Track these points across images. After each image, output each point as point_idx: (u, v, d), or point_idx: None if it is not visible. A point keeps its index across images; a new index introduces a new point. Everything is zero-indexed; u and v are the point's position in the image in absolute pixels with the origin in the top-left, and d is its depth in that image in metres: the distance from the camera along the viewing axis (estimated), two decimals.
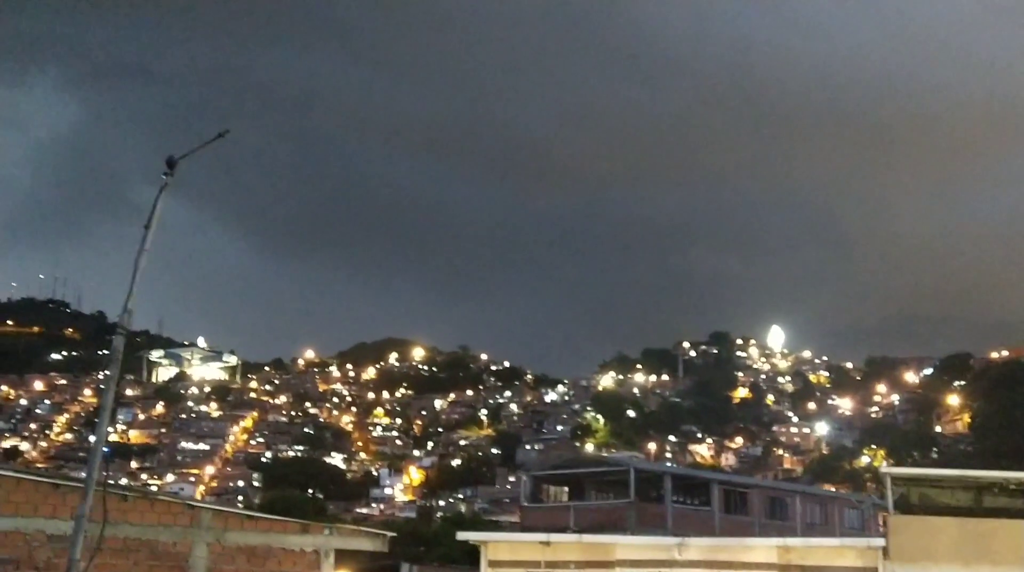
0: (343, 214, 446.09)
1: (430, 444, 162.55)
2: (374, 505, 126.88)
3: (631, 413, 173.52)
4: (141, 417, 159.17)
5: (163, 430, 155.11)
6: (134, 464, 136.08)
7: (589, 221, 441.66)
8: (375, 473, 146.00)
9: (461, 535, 30.57)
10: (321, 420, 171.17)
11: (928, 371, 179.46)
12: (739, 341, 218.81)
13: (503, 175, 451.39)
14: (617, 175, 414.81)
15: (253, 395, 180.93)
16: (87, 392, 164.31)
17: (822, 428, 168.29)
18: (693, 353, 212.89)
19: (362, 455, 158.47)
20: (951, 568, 22.46)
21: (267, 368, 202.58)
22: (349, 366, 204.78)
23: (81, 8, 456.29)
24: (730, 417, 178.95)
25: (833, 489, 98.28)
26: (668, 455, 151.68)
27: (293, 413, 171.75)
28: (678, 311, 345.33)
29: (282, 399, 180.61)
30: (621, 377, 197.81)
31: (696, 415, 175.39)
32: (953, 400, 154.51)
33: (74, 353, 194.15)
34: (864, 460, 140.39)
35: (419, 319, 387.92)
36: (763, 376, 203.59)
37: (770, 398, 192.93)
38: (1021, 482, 24.59)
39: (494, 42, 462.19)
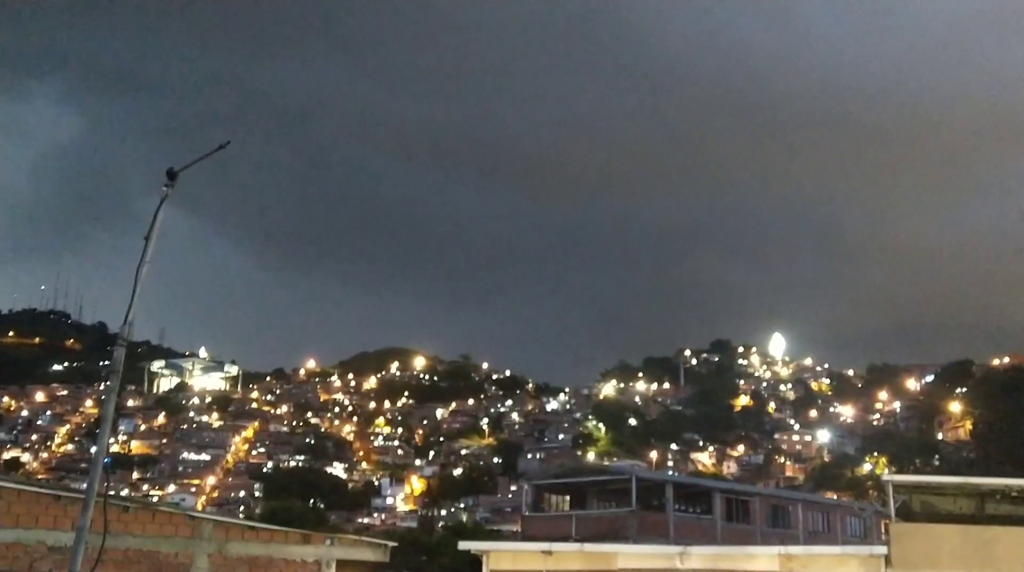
0: (344, 223, 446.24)
1: (431, 453, 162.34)
2: (375, 515, 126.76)
3: (633, 421, 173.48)
4: (142, 428, 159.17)
5: (164, 441, 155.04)
6: (135, 475, 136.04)
7: (590, 229, 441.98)
8: (376, 483, 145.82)
9: (463, 545, 30.48)
10: (322, 430, 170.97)
11: (930, 378, 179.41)
12: (740, 349, 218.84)
13: (505, 183, 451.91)
14: (618, 183, 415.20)
15: (254, 405, 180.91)
16: (88, 403, 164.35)
17: (824, 436, 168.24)
18: (694, 361, 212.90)
19: (363, 465, 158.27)
20: None
21: (268, 378, 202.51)
22: (350, 376, 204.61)
23: (82, 20, 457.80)
24: (732, 425, 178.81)
25: (835, 497, 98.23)
26: (670, 463, 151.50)
27: (294, 423, 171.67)
28: (679, 319, 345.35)
29: (283, 409, 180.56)
30: (622, 385, 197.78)
31: (698, 423, 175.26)
32: (955, 407, 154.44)
33: (75, 364, 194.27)
34: (866, 468, 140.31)
35: (420, 328, 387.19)
36: (765, 384, 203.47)
37: (772, 406, 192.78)
38: (1023, 489, 24.57)
39: (496, 50, 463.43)
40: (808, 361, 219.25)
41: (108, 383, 9.94)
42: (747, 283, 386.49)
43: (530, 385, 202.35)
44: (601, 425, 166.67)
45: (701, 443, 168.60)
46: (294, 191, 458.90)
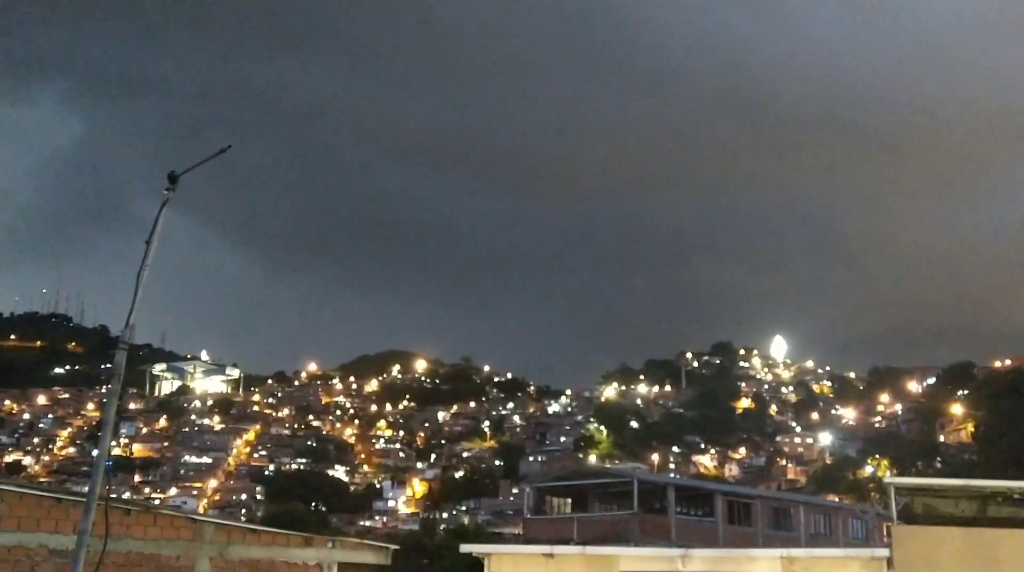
0: (345, 227, 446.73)
1: (433, 456, 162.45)
2: (377, 518, 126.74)
3: (634, 424, 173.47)
4: (144, 431, 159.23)
5: (166, 444, 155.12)
6: (137, 478, 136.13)
7: (591, 231, 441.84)
8: (378, 486, 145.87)
9: (464, 547, 30.42)
10: (324, 433, 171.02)
11: (931, 380, 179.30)
12: (742, 351, 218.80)
13: (505, 187, 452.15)
14: (619, 186, 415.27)
15: (256, 408, 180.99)
16: (90, 406, 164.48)
17: (825, 438, 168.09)
18: (696, 364, 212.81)
19: (365, 468, 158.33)
20: None
21: (270, 381, 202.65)
22: (352, 379, 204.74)
23: (83, 23, 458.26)
24: (733, 428, 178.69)
25: (837, 499, 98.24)
26: (671, 466, 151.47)
27: (296, 426, 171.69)
28: (680, 322, 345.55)
29: (285, 412, 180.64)
30: (624, 388, 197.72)
31: (699, 426, 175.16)
32: (957, 409, 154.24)
33: (76, 367, 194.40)
34: (868, 470, 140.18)
35: (421, 331, 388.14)
36: (766, 386, 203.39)
37: (773, 408, 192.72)
38: None
39: (496, 54, 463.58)
40: (809, 363, 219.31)
41: (109, 386, 9.95)
42: (748, 285, 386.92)
43: (531, 388, 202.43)
44: (602, 428, 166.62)
45: (702, 445, 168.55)
46: (295, 194, 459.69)
